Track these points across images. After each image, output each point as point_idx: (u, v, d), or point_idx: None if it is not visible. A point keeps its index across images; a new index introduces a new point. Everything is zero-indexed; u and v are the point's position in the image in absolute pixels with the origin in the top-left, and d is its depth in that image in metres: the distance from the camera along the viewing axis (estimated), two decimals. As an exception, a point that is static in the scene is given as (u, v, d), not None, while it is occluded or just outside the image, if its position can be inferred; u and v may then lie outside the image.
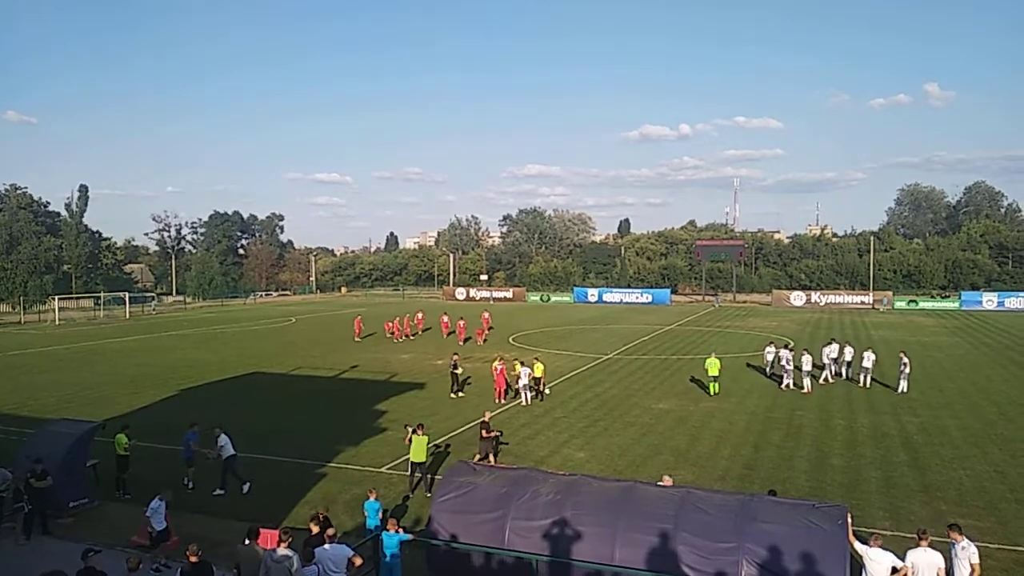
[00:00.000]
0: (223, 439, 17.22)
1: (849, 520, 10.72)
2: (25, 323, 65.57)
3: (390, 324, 47.76)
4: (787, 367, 29.33)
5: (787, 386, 28.47)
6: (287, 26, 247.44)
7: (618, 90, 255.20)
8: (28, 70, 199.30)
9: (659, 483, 12.97)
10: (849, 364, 30.89)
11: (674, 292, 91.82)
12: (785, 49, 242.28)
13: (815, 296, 78.31)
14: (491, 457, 18.06)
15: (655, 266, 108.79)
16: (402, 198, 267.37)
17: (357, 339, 46.30)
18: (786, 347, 31.51)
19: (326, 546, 10.78)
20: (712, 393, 27.70)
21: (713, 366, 27.92)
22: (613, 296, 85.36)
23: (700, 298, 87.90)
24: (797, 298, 78.02)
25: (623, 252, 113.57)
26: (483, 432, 18.36)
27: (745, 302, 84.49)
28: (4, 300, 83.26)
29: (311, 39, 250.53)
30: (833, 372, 30.43)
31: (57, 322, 64.44)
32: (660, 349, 41.91)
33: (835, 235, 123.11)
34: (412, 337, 47.63)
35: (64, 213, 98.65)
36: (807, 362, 28.27)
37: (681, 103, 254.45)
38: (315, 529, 11.73)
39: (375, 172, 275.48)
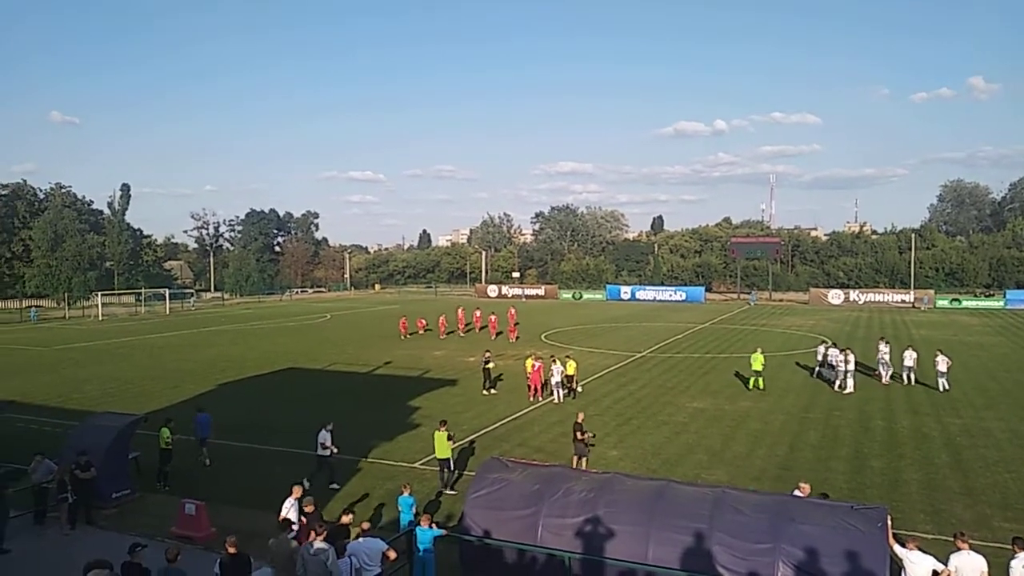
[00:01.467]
0: (323, 435, 17.07)
1: (889, 522, 10.50)
2: (69, 318, 67.35)
3: (444, 319, 48.43)
4: (840, 367, 28.30)
5: (839, 387, 27.83)
6: (322, 24, 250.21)
7: (652, 87, 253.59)
8: (71, 72, 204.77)
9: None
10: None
11: (708, 290, 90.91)
12: (823, 43, 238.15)
13: (854, 294, 76.86)
14: (583, 461, 17.58)
15: (689, 264, 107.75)
16: (434, 195, 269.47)
17: (404, 337, 46.39)
18: (835, 346, 30.72)
19: (360, 539, 10.88)
20: (752, 387, 27.92)
21: (757, 361, 28.21)
22: (646, 294, 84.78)
23: (735, 296, 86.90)
24: (835, 296, 76.65)
25: (656, 249, 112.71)
26: (577, 434, 17.77)
27: (781, 300, 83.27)
28: (50, 296, 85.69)
29: (344, 37, 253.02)
30: (888, 373, 29.62)
31: (100, 318, 66.07)
32: (694, 347, 41.51)
33: (875, 232, 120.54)
34: (464, 334, 47.88)
35: (107, 211, 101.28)
36: (850, 362, 27.76)
37: (716, 99, 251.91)
38: (346, 520, 11.84)
39: (408, 170, 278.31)
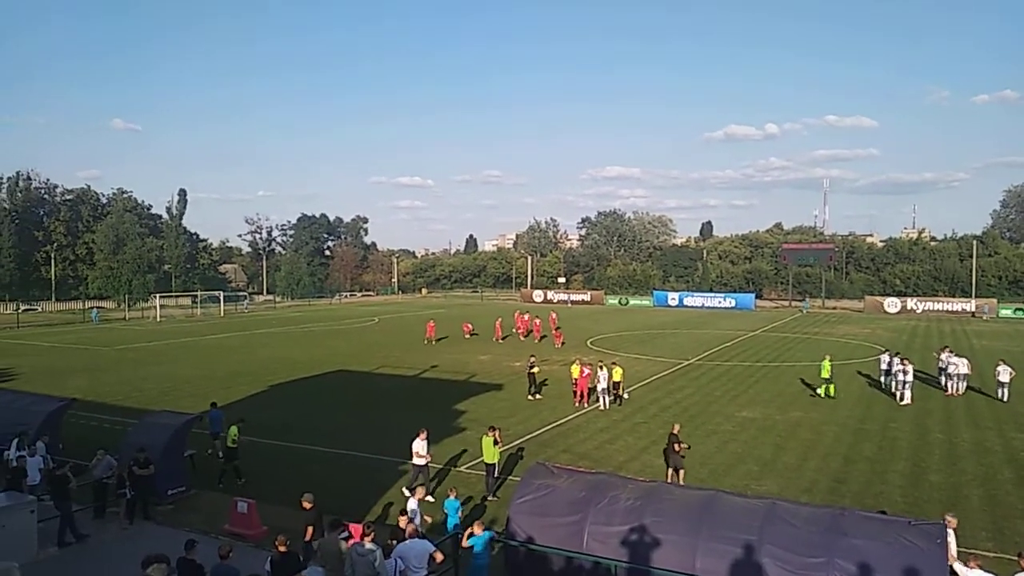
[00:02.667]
0: (418, 444, 16.82)
1: (949, 539, 10.14)
2: (129, 319, 69.66)
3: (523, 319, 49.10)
4: (902, 378, 27.31)
5: (900, 397, 27.00)
6: (370, 30, 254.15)
7: (703, 90, 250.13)
8: (133, 81, 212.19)
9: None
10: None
11: (759, 297, 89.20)
12: (880, 44, 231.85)
13: (911, 303, 74.50)
14: (680, 474, 17.25)
15: (739, 270, 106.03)
16: (481, 201, 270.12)
17: (427, 340, 46.50)
18: (898, 356, 29.76)
19: (407, 541, 10.98)
20: (822, 395, 27.70)
21: (825, 368, 28.11)
22: (694, 300, 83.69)
23: (787, 303, 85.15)
24: (891, 304, 74.44)
25: (705, 255, 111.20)
26: (675, 446, 17.35)
27: (835, 308, 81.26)
28: (111, 297, 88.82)
29: (393, 42, 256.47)
30: (963, 384, 28.64)
31: (158, 319, 68.17)
32: (744, 355, 40.79)
33: (933, 239, 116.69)
34: (525, 338, 48.00)
35: (165, 216, 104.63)
36: (908, 372, 26.95)
37: (768, 102, 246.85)
38: (403, 523, 11.94)
39: (455, 175, 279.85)
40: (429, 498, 16.13)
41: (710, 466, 19.13)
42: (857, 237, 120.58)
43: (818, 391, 28.10)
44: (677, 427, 18.20)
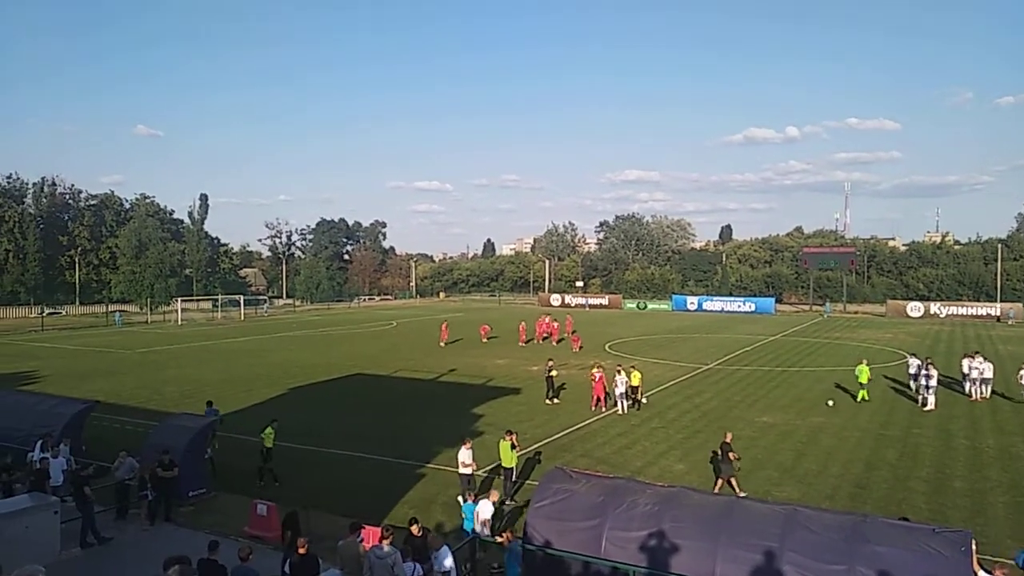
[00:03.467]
0: (464, 453, 16.68)
1: (974, 547, 9.96)
2: (151, 323, 70.50)
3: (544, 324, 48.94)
4: (924, 382, 26.95)
5: (923, 402, 26.66)
6: (388, 36, 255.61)
7: (721, 94, 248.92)
8: (156, 87, 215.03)
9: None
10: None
11: (779, 301, 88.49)
12: (902, 45, 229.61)
13: (934, 307, 73.49)
14: (733, 481, 17.02)
15: (759, 274, 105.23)
16: (499, 205, 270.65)
17: (442, 344, 46.90)
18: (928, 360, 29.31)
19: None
20: (859, 400, 27.53)
21: (863, 373, 27.98)
22: (714, 304, 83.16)
23: (807, 308, 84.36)
24: (914, 309, 73.47)
25: (724, 259, 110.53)
26: (730, 455, 17.21)
27: (856, 312, 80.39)
28: (133, 301, 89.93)
29: (412, 47, 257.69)
30: (987, 388, 28.25)
31: (179, 322, 68.90)
32: (764, 360, 40.45)
33: (957, 242, 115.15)
34: (543, 342, 47.93)
35: (187, 220, 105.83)
36: (932, 377, 26.59)
37: (788, 105, 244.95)
38: (415, 531, 11.95)
39: (473, 180, 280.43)
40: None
41: (730, 471, 18.95)
42: (879, 241, 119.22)
43: (858, 397, 27.88)
44: (729, 436, 17.89)
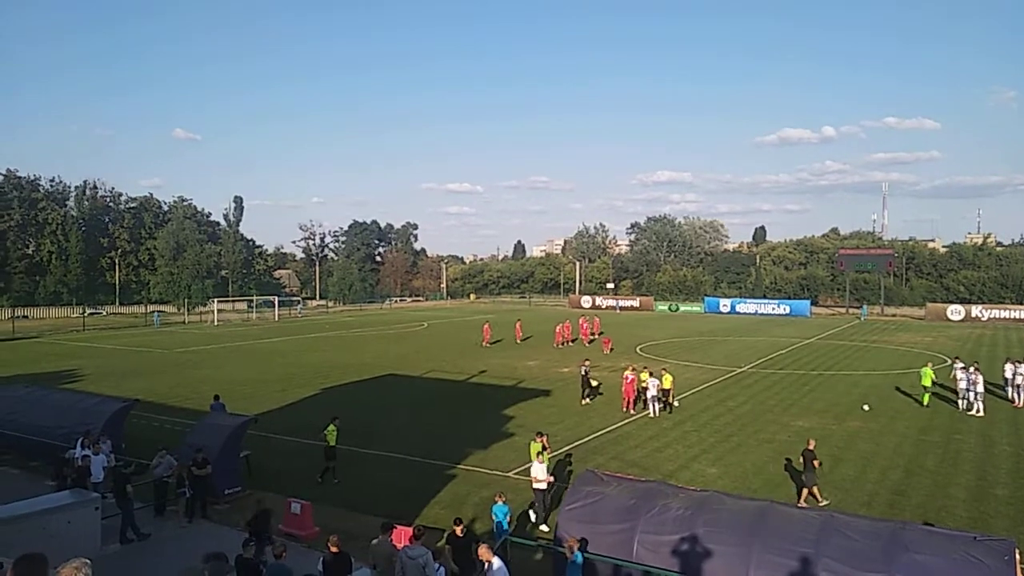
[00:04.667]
0: (537, 468, 16.04)
1: (1017, 557, 9.70)
2: (188, 323, 71.80)
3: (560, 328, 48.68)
4: (965, 387, 26.42)
5: (965, 409, 26.07)
6: (420, 39, 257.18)
7: (755, 95, 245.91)
8: (194, 92, 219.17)
9: None
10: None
11: (814, 304, 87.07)
12: (942, 43, 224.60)
13: (976, 310, 71.69)
14: (816, 490, 16.41)
15: (793, 276, 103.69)
16: (530, 206, 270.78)
17: (485, 344, 47.28)
18: (974, 365, 28.61)
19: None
20: (925, 404, 27.12)
21: (927, 376, 27.67)
22: (747, 307, 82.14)
23: (843, 310, 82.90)
24: (954, 312, 71.75)
25: (758, 261, 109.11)
26: (814, 462, 16.57)
27: (894, 315, 78.79)
28: (171, 302, 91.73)
29: (442, 49, 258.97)
30: (1019, 393, 27.48)
31: (215, 323, 70.07)
32: (799, 364, 39.85)
33: (1000, 244, 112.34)
34: (573, 344, 47.83)
35: (223, 223, 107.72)
36: (979, 383, 25.96)
37: (824, 104, 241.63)
38: (459, 531, 12.00)
39: (504, 181, 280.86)
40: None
41: (764, 476, 18.72)
42: (918, 242, 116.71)
43: (922, 400, 27.48)
44: (812, 443, 17.19)
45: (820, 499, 16.29)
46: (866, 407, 26.62)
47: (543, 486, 15.50)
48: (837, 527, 10.62)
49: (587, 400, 28.09)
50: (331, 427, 18.47)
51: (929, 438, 22.53)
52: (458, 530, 11.89)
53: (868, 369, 37.51)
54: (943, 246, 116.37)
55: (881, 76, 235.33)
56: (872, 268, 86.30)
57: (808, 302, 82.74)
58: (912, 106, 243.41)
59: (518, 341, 49.33)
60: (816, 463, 16.62)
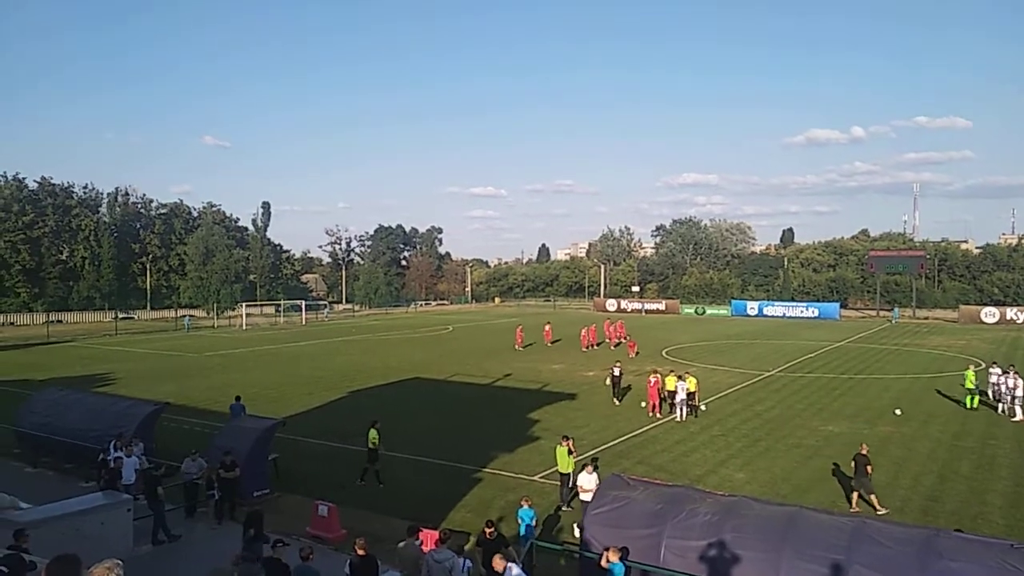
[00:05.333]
0: (586, 478, 15.65)
1: None
2: (217, 327, 72.75)
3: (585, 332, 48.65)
4: (1005, 391, 25.97)
5: (1008, 413, 25.52)
6: (445, 50, 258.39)
7: (782, 94, 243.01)
8: (224, 101, 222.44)
9: None
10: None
11: (844, 306, 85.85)
12: (975, 40, 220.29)
13: (1011, 312, 70.13)
14: (873, 498, 16.03)
15: (822, 278, 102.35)
16: (554, 210, 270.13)
17: (518, 347, 47.26)
18: (1012, 369, 28.00)
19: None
20: (969, 407, 26.76)
21: (969, 379, 27.42)
22: (775, 310, 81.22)
23: (874, 313, 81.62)
24: (989, 315, 70.28)
25: (786, 263, 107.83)
26: (867, 468, 16.24)
27: (927, 318, 77.38)
28: (200, 306, 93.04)
29: (467, 58, 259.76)
30: None
31: (244, 327, 70.92)
32: (828, 367, 39.28)
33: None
34: (598, 348, 47.72)
35: (251, 228, 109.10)
36: (1019, 387, 25.41)
37: (853, 104, 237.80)
38: (488, 532, 12.00)
39: (528, 185, 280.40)
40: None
41: (793, 481, 18.47)
42: (951, 243, 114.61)
43: (965, 402, 27.12)
44: (865, 447, 16.89)
45: (879, 507, 15.80)
46: (898, 411, 26.16)
47: (589, 497, 14.07)
48: (869, 534, 10.43)
49: (617, 401, 28.11)
50: (372, 432, 18.56)
51: (963, 443, 22.08)
52: (488, 532, 11.89)
53: (900, 373, 36.87)
54: (976, 247, 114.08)
55: (911, 75, 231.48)
56: (903, 270, 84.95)
57: (837, 305, 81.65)
58: (943, 105, 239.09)
59: (548, 343, 49.48)
60: (869, 468, 16.24)
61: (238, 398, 23.75)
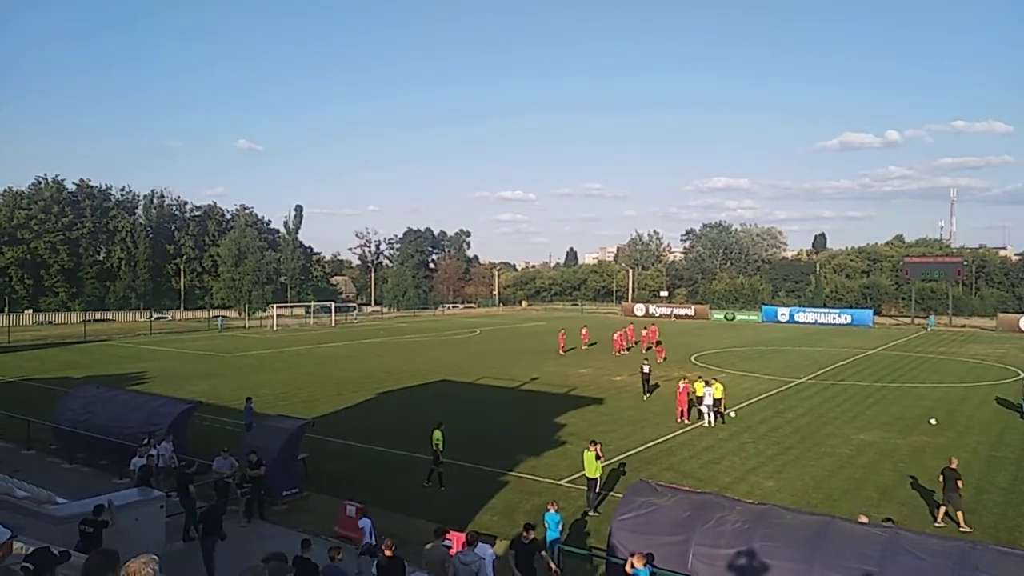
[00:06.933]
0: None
1: None
2: (248, 328, 73.73)
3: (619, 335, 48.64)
4: None
5: None
6: (474, 55, 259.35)
7: (816, 97, 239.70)
8: (257, 105, 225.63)
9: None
10: None
11: (877, 313, 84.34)
12: (1011, 42, 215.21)
13: (1052, 321, 68.30)
14: (960, 515, 15.44)
15: (855, 284, 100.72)
16: (582, 214, 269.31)
17: (561, 352, 47.12)
18: None
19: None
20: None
21: None
22: (806, 316, 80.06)
23: (909, 320, 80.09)
24: (1029, 323, 68.53)
25: (818, 269, 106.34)
26: (957, 483, 15.60)
27: (963, 326, 75.70)
28: (232, 307, 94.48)
29: (497, 64, 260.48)
30: None
31: (275, 328, 71.77)
32: (861, 375, 38.62)
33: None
34: (629, 352, 47.50)
35: (282, 230, 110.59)
36: None
37: (888, 108, 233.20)
38: (525, 535, 11.99)
39: (557, 189, 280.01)
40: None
41: (824, 490, 18.18)
42: (988, 250, 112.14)
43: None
44: (955, 461, 16.28)
45: (964, 525, 15.31)
46: (933, 421, 25.62)
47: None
48: (903, 545, 10.23)
49: (647, 396, 28.97)
50: (437, 432, 18.62)
51: (1001, 454, 21.56)
52: (525, 535, 11.88)
53: (935, 382, 36.12)
54: (1015, 254, 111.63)
55: (948, 78, 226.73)
56: (939, 276, 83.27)
57: (871, 311, 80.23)
58: (981, 108, 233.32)
59: (584, 347, 49.42)
60: (959, 483, 15.61)
61: (249, 400, 24.35)
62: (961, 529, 15.09)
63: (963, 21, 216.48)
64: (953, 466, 15.92)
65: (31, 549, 5.08)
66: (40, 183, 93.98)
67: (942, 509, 15.78)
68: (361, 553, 12.70)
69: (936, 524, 15.33)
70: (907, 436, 23.89)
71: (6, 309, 67.33)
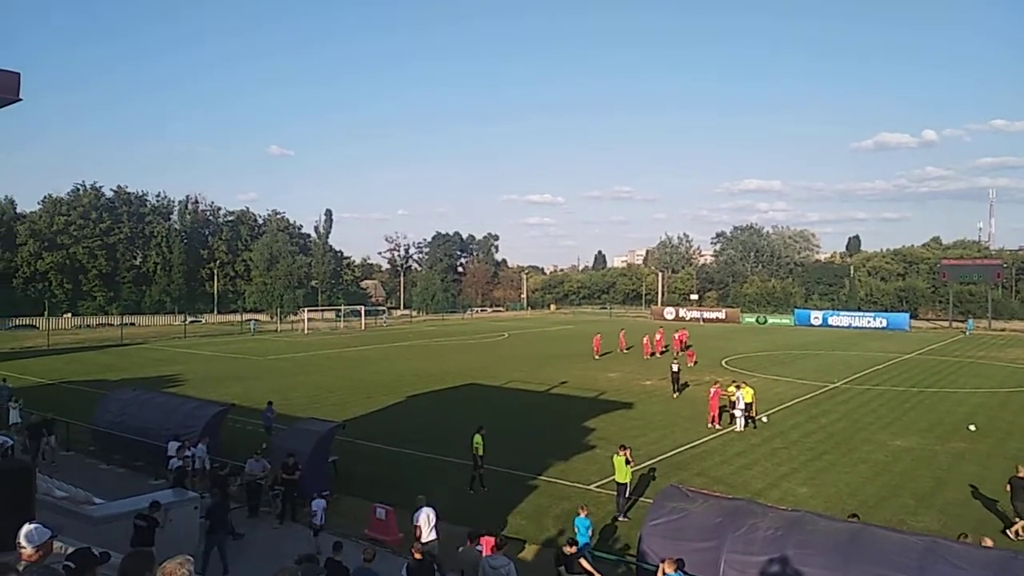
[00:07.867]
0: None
1: None
2: (280, 331, 74.66)
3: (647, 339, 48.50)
4: None
5: None
6: (503, 59, 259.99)
7: (851, 98, 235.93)
8: (289, 110, 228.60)
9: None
10: None
11: (914, 317, 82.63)
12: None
13: (1097, 325, 66.40)
14: None
15: (891, 287, 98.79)
16: (611, 216, 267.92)
17: (596, 357, 46.89)
18: None
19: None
20: None
21: None
22: (840, 319, 78.81)
23: (946, 324, 78.37)
24: (1072, 327, 66.69)
25: (852, 272, 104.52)
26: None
27: (1003, 330, 73.87)
28: (264, 310, 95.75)
29: (524, 69, 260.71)
30: None
31: (305, 331, 72.58)
32: (897, 380, 37.87)
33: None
34: (662, 356, 47.27)
35: (313, 235, 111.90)
36: None
37: (925, 107, 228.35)
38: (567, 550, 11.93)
39: (585, 192, 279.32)
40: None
41: (859, 497, 17.85)
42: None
43: None
44: (1022, 469, 15.61)
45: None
46: (972, 427, 25.03)
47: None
48: (941, 554, 10.01)
49: (677, 395, 29.46)
50: (477, 436, 18.70)
51: (1045, 462, 20.95)
52: (568, 550, 11.83)
53: (974, 387, 35.29)
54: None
55: (987, 76, 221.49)
56: (978, 279, 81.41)
57: (907, 315, 78.68)
58: (1022, 107, 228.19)
59: (622, 351, 49.16)
60: None
61: (270, 404, 24.99)
62: None
63: (1000, 20, 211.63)
64: (1021, 475, 15.38)
65: (70, 549, 5.18)
66: (79, 190, 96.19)
67: (1021, 523, 15.05)
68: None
69: (1015, 539, 14.63)
70: (945, 442, 23.37)
71: (46, 313, 68.93)
